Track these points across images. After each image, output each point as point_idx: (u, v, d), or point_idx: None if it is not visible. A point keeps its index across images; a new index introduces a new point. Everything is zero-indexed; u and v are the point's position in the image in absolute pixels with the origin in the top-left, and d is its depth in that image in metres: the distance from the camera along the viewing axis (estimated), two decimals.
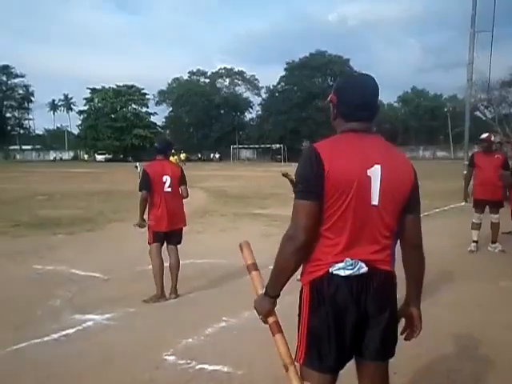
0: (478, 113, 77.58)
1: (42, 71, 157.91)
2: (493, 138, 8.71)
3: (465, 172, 17.39)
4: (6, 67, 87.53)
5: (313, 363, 2.20)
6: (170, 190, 6.00)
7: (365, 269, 2.14)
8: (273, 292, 2.25)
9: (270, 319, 2.29)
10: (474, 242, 8.57)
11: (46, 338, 4.71)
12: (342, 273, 2.13)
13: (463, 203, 15.95)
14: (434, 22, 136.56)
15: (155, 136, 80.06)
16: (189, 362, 4.14)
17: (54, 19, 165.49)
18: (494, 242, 8.54)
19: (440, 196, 16.70)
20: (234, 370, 3.98)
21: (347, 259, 2.13)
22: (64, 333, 4.86)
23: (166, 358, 4.26)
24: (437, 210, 14.25)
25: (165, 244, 6.20)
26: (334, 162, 2.10)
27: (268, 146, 74.26)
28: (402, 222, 2.27)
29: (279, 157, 70.26)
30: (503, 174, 8.09)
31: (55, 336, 4.78)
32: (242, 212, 14.10)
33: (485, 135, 8.65)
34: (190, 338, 4.69)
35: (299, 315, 2.28)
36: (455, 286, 6.48)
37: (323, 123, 70.61)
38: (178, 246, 6.28)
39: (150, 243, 6.12)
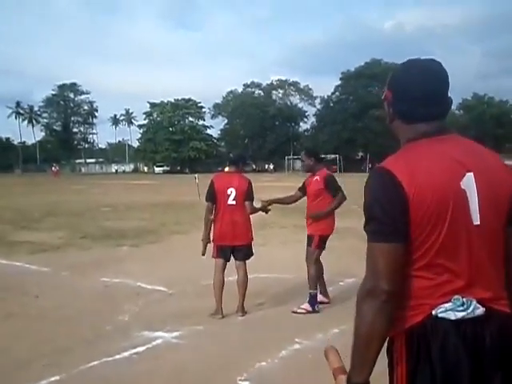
0: None
1: (106, 87, 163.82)
2: None
3: None
4: (74, 85, 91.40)
5: None
6: (234, 202, 5.76)
7: (481, 309, 1.56)
8: (359, 377, 1.58)
9: None
10: None
11: (117, 356, 4.59)
12: (452, 316, 1.56)
13: None
14: (495, 27, 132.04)
15: (212, 148, 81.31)
16: None
17: (119, 38, 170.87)
18: None
19: None
20: None
21: (456, 297, 1.57)
22: (134, 351, 4.73)
23: (240, 383, 4.02)
24: None
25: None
26: (417, 182, 1.54)
27: (323, 156, 73.19)
28: (507, 241, 1.66)
29: (335, 167, 69.41)
30: None
31: (126, 354, 4.65)
32: (301, 224, 13.77)
33: None
34: (264, 362, 4.42)
35: (391, 375, 1.70)
36: None
37: (380, 133, 69.55)
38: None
39: (213, 257, 5.94)
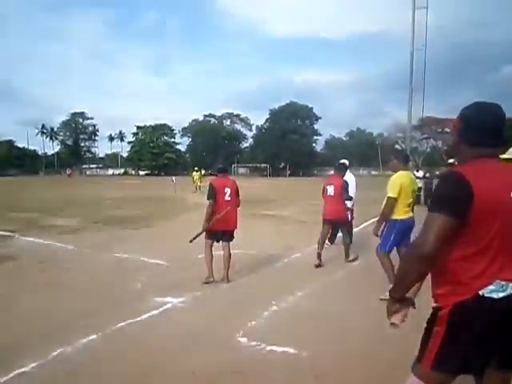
0: (397, 145, 79.24)
1: (104, 114, 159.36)
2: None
3: None
4: (82, 113, 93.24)
5: (440, 369, 1.61)
6: (229, 198, 5.45)
7: None
8: (395, 294, 1.73)
9: (393, 318, 1.75)
10: None
11: (138, 318, 4.07)
12: (495, 295, 1.55)
13: None
14: (366, 84, 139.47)
15: (180, 158, 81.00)
16: (259, 343, 3.46)
17: (114, 80, 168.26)
18: None
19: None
20: (299, 351, 3.31)
21: (497, 281, 1.56)
22: (152, 313, 4.22)
23: (240, 339, 3.58)
24: None
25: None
26: (480, 185, 1.54)
27: (257, 165, 73.90)
28: None
29: (265, 173, 70.27)
30: None
31: (145, 316, 4.13)
32: (254, 213, 13.40)
33: (451, 160, 8.11)
34: (253, 321, 4.00)
35: (429, 330, 1.67)
36: None
37: (295, 150, 70.98)
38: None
39: (206, 238, 5.50)
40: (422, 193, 16.82)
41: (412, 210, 4.96)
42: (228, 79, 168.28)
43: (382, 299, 4.68)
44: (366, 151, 77.81)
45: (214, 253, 5.45)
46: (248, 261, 6.66)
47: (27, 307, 4.43)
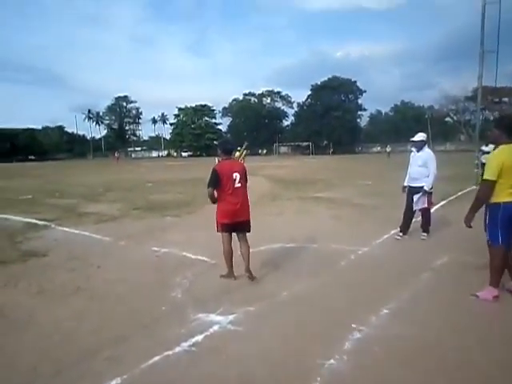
0: (448, 118, 74.31)
1: (148, 98, 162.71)
2: None
3: (476, 161, 15.11)
4: (126, 97, 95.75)
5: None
6: (239, 185, 4.50)
7: None
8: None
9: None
10: None
11: (177, 349, 3.06)
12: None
13: (474, 187, 13.76)
14: (409, 57, 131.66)
15: (219, 139, 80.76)
16: None
17: (156, 63, 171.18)
18: None
19: (455, 180, 14.23)
20: None
21: None
22: (193, 340, 3.20)
23: None
24: (460, 193, 12.00)
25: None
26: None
27: (299, 143, 71.98)
28: None
29: (307, 151, 68.27)
30: None
31: (185, 346, 3.12)
32: (304, 196, 12.18)
33: None
34: (332, 359, 2.86)
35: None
36: None
37: (338, 127, 68.24)
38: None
39: (218, 231, 4.66)
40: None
41: None
42: (267, 56, 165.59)
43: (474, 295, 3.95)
44: (414, 126, 73.57)
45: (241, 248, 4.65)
46: (306, 258, 5.53)
47: (43, 328, 3.56)
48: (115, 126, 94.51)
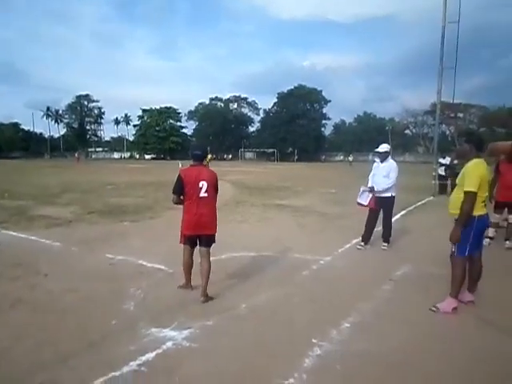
0: (407, 130, 77.56)
1: (111, 97, 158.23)
2: None
3: (434, 173, 15.61)
4: (87, 95, 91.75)
5: None
6: (205, 195, 4.15)
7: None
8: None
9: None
10: (489, 238, 6.68)
11: (124, 369, 2.81)
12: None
13: (432, 197, 14.20)
14: (373, 70, 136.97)
15: (191, 142, 79.59)
16: None
17: (121, 64, 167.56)
18: (507, 239, 6.65)
19: (413, 191, 14.63)
20: None
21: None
22: (144, 359, 2.95)
23: None
24: (418, 204, 12.32)
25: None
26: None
27: (264, 150, 72.33)
28: None
29: (272, 158, 68.80)
30: None
31: (134, 365, 2.87)
32: (268, 203, 12.06)
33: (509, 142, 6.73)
34: (291, 378, 2.71)
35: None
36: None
37: (303, 135, 69.09)
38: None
39: (181, 242, 4.36)
40: (448, 182, 15.40)
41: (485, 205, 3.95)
42: (234, 62, 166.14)
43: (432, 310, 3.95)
44: (376, 137, 76.00)
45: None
46: (268, 267, 5.39)
47: None
48: (75, 125, 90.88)
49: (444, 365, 2.94)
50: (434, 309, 3.91)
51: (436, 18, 13.99)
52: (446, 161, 15.53)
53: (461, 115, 66.44)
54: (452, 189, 13.69)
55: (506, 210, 6.62)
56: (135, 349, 3.09)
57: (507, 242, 6.56)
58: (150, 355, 3.01)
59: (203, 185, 4.16)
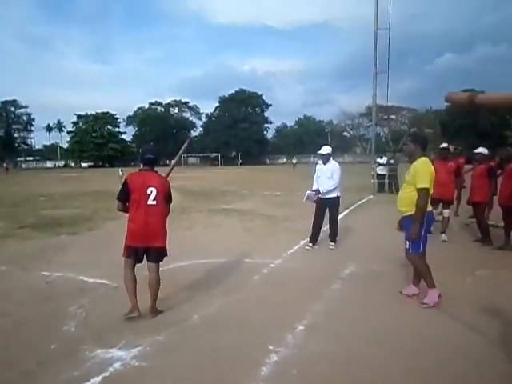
0: (345, 132, 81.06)
1: (42, 103, 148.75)
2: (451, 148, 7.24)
3: (372, 173, 16.33)
4: (14, 101, 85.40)
5: None
6: (154, 203, 3.81)
7: None
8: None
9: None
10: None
11: None
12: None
13: (371, 196, 14.86)
14: (312, 74, 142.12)
15: (126, 149, 76.80)
16: None
17: (53, 67, 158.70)
18: (443, 232, 7.07)
19: (355, 190, 15.16)
20: None
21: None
22: None
23: None
24: (360, 202, 12.82)
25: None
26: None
27: (208, 154, 71.91)
28: None
29: (216, 162, 68.60)
30: None
31: None
32: (214, 208, 11.92)
33: (444, 145, 7.16)
34: None
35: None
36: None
37: (245, 139, 69.62)
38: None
39: (123, 255, 3.94)
40: (385, 180, 16.20)
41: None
42: (174, 66, 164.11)
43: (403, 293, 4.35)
44: (316, 139, 78.52)
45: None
46: (218, 274, 5.28)
47: None
48: (1, 133, 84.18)
49: (394, 358, 3.03)
50: (424, 306, 4.00)
51: (370, 26, 14.74)
52: (383, 160, 16.36)
53: (393, 117, 70.55)
54: (389, 187, 14.52)
55: (441, 205, 7.05)
56: (78, 374, 2.84)
57: (442, 235, 6.99)
58: (96, 380, 2.77)
59: (152, 191, 3.81)
